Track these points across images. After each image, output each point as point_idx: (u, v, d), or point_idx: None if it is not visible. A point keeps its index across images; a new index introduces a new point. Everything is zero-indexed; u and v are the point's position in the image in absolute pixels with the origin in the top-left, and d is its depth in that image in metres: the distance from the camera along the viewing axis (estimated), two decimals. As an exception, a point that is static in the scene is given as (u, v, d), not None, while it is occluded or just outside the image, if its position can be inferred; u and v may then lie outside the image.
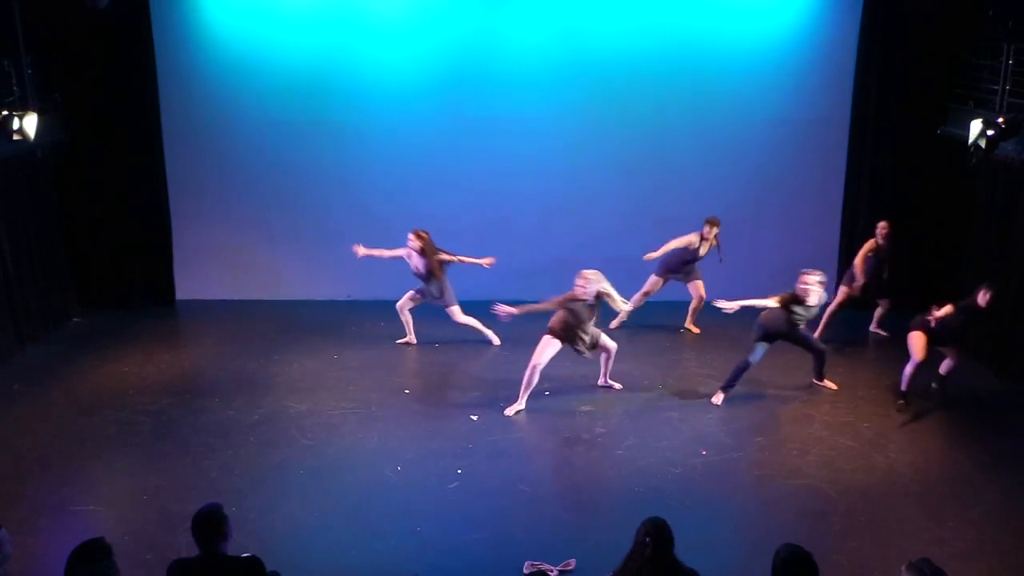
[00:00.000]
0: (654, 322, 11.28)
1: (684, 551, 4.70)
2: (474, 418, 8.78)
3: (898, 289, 11.74)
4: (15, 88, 9.89)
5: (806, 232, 11.98)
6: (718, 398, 9.07)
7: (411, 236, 10.17)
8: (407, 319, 10.57)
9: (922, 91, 10.94)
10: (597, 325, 8.96)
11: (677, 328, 11.15)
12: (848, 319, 11.69)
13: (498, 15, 11.47)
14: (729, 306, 8.81)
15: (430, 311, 11.56)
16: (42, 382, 9.55)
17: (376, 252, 10.33)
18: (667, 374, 9.76)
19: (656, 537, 4.60)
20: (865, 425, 8.57)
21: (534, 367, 8.75)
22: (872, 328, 11.20)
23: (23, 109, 9.68)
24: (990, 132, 8.87)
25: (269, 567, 4.86)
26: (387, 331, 10.68)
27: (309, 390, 9.34)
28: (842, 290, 10.81)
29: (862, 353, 10.42)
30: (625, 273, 11.86)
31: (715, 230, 10.66)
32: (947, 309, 8.55)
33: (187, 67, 11.54)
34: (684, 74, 11.50)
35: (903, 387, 8.91)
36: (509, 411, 8.78)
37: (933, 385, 9.09)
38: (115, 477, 7.55)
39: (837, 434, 8.39)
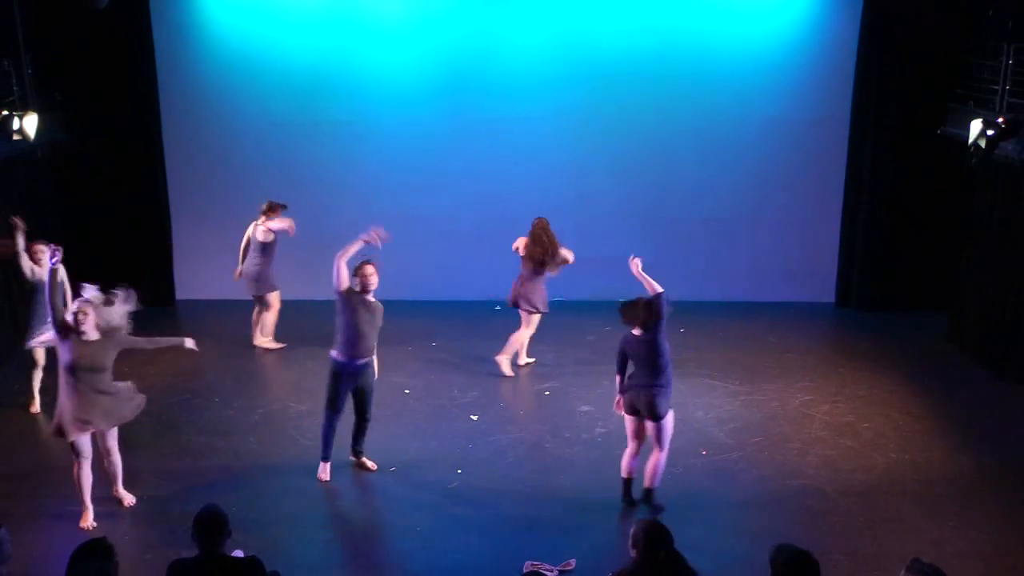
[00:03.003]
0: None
1: (684, 551, 4.70)
2: (474, 418, 8.78)
3: (898, 290, 11.80)
4: (15, 88, 9.89)
5: (806, 232, 11.99)
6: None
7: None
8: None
9: (922, 91, 10.93)
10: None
11: (677, 328, 11.13)
12: (850, 319, 11.71)
13: (498, 16, 11.47)
14: None
15: (425, 311, 11.56)
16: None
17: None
18: (667, 374, 9.75)
19: (664, 542, 4.59)
20: (865, 425, 8.57)
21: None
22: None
23: (23, 109, 9.68)
24: (990, 132, 8.87)
25: (269, 567, 4.86)
26: (387, 331, 10.62)
27: (309, 390, 9.32)
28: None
29: (861, 353, 10.42)
30: (625, 273, 11.91)
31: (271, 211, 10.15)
32: None
33: (187, 67, 11.55)
34: (684, 75, 11.50)
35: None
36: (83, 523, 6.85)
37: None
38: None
39: (837, 434, 8.39)
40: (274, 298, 10.41)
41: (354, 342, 7.41)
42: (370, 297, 7.52)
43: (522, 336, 9.72)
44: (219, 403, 9.10)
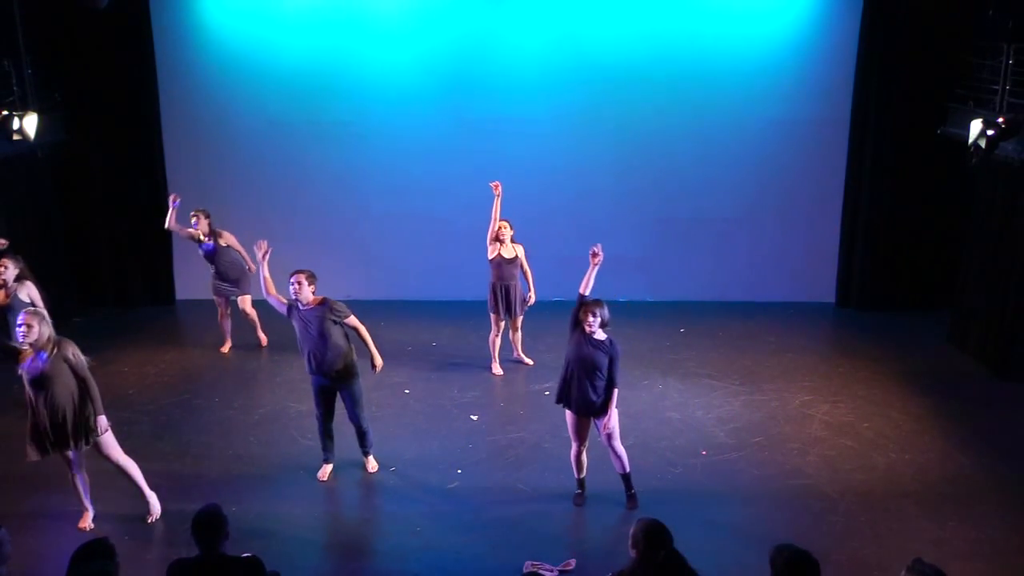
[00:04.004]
0: (654, 322, 11.28)
1: (684, 551, 4.70)
2: (474, 418, 8.78)
3: (898, 290, 11.80)
4: (15, 88, 9.90)
5: (806, 232, 11.98)
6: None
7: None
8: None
9: (922, 91, 10.93)
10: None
11: (677, 328, 11.16)
12: (850, 319, 11.71)
13: (498, 17, 11.47)
14: None
15: (425, 311, 11.59)
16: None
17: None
18: (667, 374, 9.76)
19: (664, 542, 4.59)
20: (865, 425, 8.57)
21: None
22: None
23: (23, 109, 9.70)
24: (990, 132, 8.87)
25: (269, 567, 4.86)
26: (387, 331, 10.66)
27: (309, 390, 9.30)
28: None
29: (862, 353, 10.42)
30: (626, 273, 11.93)
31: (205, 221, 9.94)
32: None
33: (187, 67, 11.55)
34: (684, 76, 11.49)
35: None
36: (82, 524, 6.91)
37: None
38: (115, 477, 7.53)
39: (837, 434, 8.39)
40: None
41: (307, 359, 7.32)
42: (310, 307, 7.25)
43: (490, 338, 9.83)
44: (219, 403, 9.11)
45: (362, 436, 7.67)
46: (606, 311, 6.78)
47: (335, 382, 7.36)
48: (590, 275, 6.89)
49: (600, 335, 6.80)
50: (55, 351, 6.41)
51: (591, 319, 6.72)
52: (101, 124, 11.38)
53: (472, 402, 9.14)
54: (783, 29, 11.42)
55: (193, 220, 9.99)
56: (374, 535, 6.97)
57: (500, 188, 9.39)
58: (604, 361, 6.77)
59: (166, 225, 9.99)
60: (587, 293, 6.87)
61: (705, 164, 11.74)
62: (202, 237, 9.99)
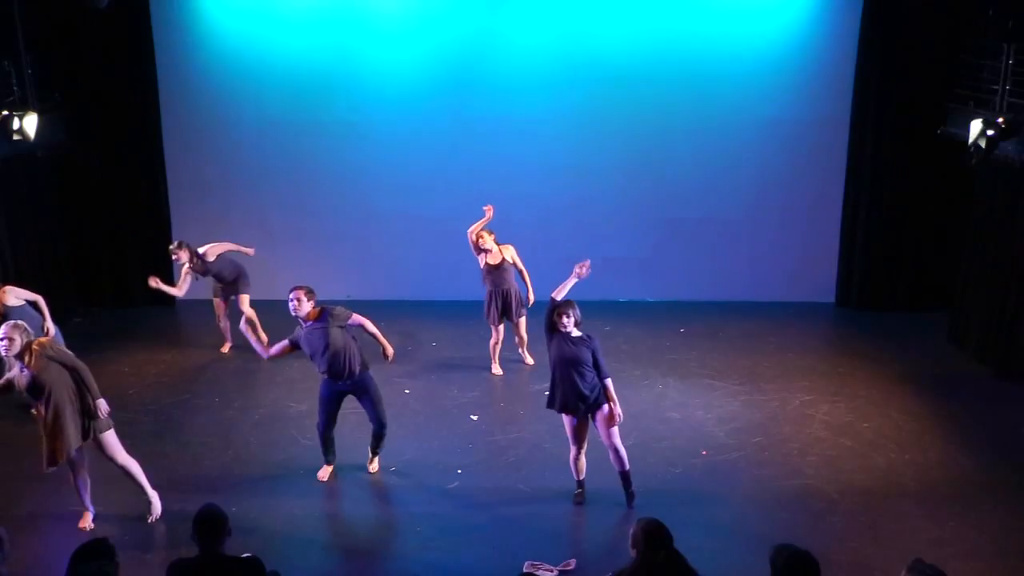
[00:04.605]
0: (655, 322, 11.28)
1: (684, 551, 4.70)
2: (474, 418, 8.79)
3: (898, 290, 11.80)
4: (15, 88, 9.90)
5: (806, 232, 11.98)
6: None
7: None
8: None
9: (922, 91, 10.92)
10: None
11: (677, 328, 11.15)
12: (850, 319, 11.71)
13: (498, 16, 11.46)
14: None
15: (425, 311, 11.59)
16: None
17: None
18: (667, 374, 9.76)
19: (664, 541, 4.59)
20: (865, 425, 8.57)
21: None
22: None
23: (23, 109, 9.69)
24: (990, 132, 8.86)
25: (269, 567, 4.86)
26: (387, 331, 10.62)
27: (309, 390, 9.31)
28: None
29: (861, 353, 10.42)
30: (627, 273, 11.93)
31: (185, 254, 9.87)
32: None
33: (187, 67, 11.55)
34: (685, 76, 11.48)
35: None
36: (83, 524, 6.95)
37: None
38: (115, 478, 7.53)
39: (837, 434, 8.39)
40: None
41: (325, 371, 7.35)
42: (311, 322, 7.27)
43: (491, 344, 9.86)
44: (219, 403, 9.11)
45: (380, 439, 7.67)
46: (578, 311, 6.93)
47: (353, 386, 7.39)
48: (567, 285, 7.03)
49: (576, 332, 6.93)
50: (33, 355, 6.37)
51: (565, 320, 6.87)
52: (101, 124, 11.38)
53: (472, 402, 9.14)
54: (783, 28, 11.41)
55: (175, 258, 10.00)
56: (374, 535, 6.97)
57: (492, 213, 9.42)
58: (588, 356, 6.89)
59: (177, 295, 10.08)
60: (559, 299, 6.99)
61: (705, 164, 11.74)
62: (191, 268, 9.96)
